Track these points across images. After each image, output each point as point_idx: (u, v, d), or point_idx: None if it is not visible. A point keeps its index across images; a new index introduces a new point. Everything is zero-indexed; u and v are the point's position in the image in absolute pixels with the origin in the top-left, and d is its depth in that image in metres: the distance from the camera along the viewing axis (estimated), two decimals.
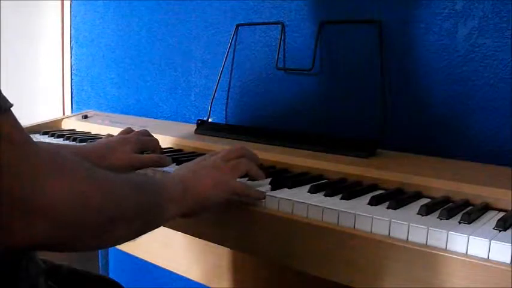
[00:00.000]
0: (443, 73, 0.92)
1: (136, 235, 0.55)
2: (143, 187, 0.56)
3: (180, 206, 0.60)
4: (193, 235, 0.79)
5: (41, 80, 1.76)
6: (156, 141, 0.89)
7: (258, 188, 0.70)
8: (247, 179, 0.75)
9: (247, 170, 0.70)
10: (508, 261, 0.49)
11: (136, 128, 1.16)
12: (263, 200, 0.67)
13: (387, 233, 0.56)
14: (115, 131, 1.18)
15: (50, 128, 1.28)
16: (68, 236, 0.45)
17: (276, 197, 0.66)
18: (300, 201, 0.64)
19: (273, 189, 0.72)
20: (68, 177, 0.44)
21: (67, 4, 1.75)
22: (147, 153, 0.86)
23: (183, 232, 0.80)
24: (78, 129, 1.30)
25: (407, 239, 0.55)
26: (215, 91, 1.20)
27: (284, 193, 0.68)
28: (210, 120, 1.20)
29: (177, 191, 0.60)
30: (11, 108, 0.42)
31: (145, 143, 0.86)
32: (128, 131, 0.91)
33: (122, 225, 0.51)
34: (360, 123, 1.02)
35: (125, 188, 0.52)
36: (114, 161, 0.78)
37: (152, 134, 1.08)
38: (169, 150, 0.99)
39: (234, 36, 1.22)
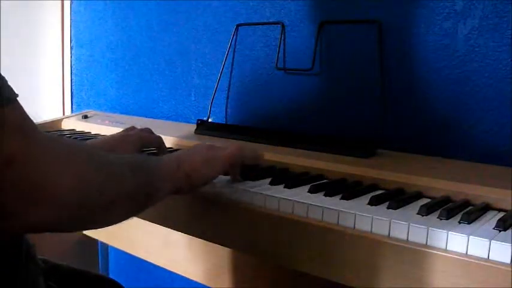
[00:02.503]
0: (443, 73, 0.92)
1: (135, 214, 0.58)
2: (141, 167, 0.58)
3: (174, 182, 0.63)
4: (193, 235, 0.79)
5: (41, 80, 1.76)
6: (159, 138, 0.90)
7: (257, 188, 0.70)
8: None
9: (241, 152, 0.72)
10: (508, 261, 0.49)
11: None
12: (263, 199, 0.67)
13: (387, 233, 0.56)
14: (115, 131, 1.18)
15: (50, 128, 1.28)
16: (70, 217, 0.47)
17: (276, 197, 0.66)
18: (300, 201, 0.64)
19: (272, 184, 0.72)
20: (71, 162, 0.46)
21: (67, 4, 1.75)
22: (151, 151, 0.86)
23: (183, 232, 0.80)
24: (78, 129, 1.30)
25: (407, 239, 0.55)
26: (215, 91, 1.20)
27: (284, 193, 0.68)
28: (210, 120, 1.20)
29: (171, 168, 0.63)
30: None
31: (147, 140, 0.86)
32: (131, 128, 0.91)
33: (121, 206, 0.54)
34: (360, 123, 1.02)
35: (124, 170, 0.54)
36: None
37: None
38: (169, 150, 0.98)
39: (234, 36, 1.22)
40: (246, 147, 0.75)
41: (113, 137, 0.85)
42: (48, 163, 0.44)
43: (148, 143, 0.87)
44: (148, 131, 0.91)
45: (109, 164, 0.53)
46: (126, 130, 0.91)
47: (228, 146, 0.74)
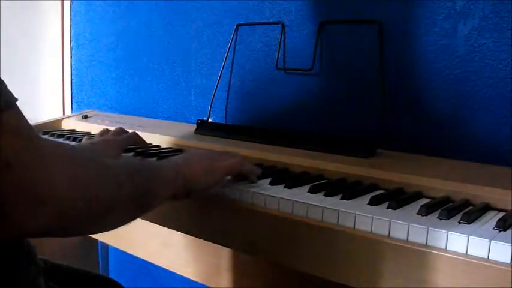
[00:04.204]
0: (443, 73, 0.92)
1: (133, 219, 0.58)
2: (139, 173, 0.58)
3: (172, 189, 0.63)
4: (193, 235, 0.79)
5: (41, 80, 1.76)
6: (135, 134, 0.91)
7: (257, 188, 0.70)
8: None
9: (241, 166, 0.73)
10: (508, 261, 0.49)
11: (135, 128, 1.16)
12: (263, 199, 0.67)
13: (387, 233, 0.56)
14: None
15: (50, 128, 1.27)
16: (69, 223, 0.47)
17: (276, 197, 0.66)
18: (300, 201, 0.64)
19: (272, 184, 0.72)
20: (69, 167, 0.46)
21: (67, 4, 1.75)
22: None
23: (183, 232, 0.80)
24: (78, 129, 1.30)
25: (407, 239, 0.55)
26: (215, 91, 1.20)
27: (284, 193, 0.68)
28: (210, 120, 1.20)
29: (169, 174, 0.63)
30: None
31: (124, 141, 0.87)
32: (105, 131, 0.92)
33: (119, 211, 0.54)
34: (360, 123, 1.02)
35: (122, 176, 0.54)
36: None
37: (152, 134, 1.08)
38: (169, 150, 0.98)
39: (234, 36, 1.22)
40: (247, 161, 0.75)
41: (92, 143, 0.86)
42: (46, 168, 0.43)
43: (126, 144, 0.88)
44: (122, 131, 0.92)
45: (108, 169, 0.53)
46: (100, 134, 0.92)
47: (227, 153, 0.75)
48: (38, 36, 1.73)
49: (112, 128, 0.94)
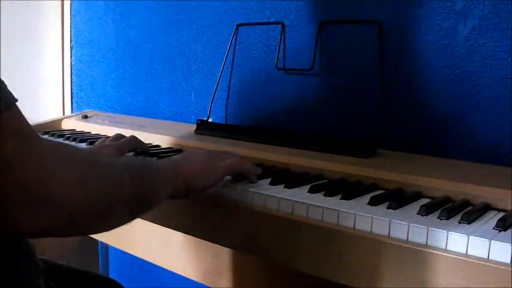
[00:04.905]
0: (443, 73, 0.92)
1: (133, 218, 0.58)
2: (140, 172, 0.58)
3: (172, 188, 0.63)
4: (193, 235, 0.79)
5: (41, 80, 1.76)
6: (134, 138, 0.91)
7: (257, 188, 0.70)
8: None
9: (241, 166, 0.73)
10: (508, 261, 0.49)
11: (135, 128, 1.16)
12: (263, 199, 0.67)
13: (387, 233, 0.56)
14: (115, 131, 1.19)
15: (50, 128, 1.28)
16: (70, 222, 0.47)
17: (276, 197, 0.66)
18: (300, 201, 0.64)
19: (272, 184, 0.72)
20: (70, 167, 0.46)
21: (67, 4, 1.75)
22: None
23: (183, 232, 0.80)
24: (78, 129, 1.30)
25: (407, 239, 0.55)
26: (215, 91, 1.20)
27: (284, 193, 0.68)
28: (210, 120, 1.20)
29: (169, 173, 0.63)
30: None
31: (124, 145, 0.88)
32: (103, 141, 0.93)
33: (120, 211, 0.54)
34: (359, 123, 1.02)
35: (123, 175, 0.54)
36: None
37: (152, 134, 1.08)
38: (169, 150, 0.99)
39: (234, 36, 1.22)
40: (246, 160, 0.75)
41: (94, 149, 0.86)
42: (46, 168, 0.43)
43: (126, 148, 0.89)
44: (120, 136, 0.92)
45: (109, 169, 0.53)
46: (113, 138, 0.92)
47: (227, 152, 0.75)
48: (38, 36, 1.73)
49: (111, 128, 0.95)
